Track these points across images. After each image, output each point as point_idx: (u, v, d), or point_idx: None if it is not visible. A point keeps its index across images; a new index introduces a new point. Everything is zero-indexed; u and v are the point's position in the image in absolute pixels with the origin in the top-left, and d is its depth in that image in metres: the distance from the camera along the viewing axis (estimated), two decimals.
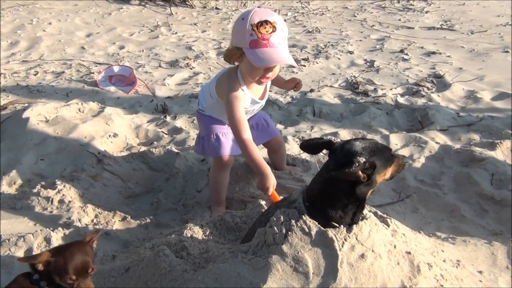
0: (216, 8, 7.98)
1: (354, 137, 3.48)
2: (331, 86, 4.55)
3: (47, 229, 2.44)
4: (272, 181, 2.05)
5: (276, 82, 2.75)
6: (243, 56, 2.14)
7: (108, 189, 3.03)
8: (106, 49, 5.89)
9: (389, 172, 1.70)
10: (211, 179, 2.75)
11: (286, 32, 2.16)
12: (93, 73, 4.97)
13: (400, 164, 1.75)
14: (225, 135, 2.60)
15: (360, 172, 1.57)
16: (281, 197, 2.14)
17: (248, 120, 2.61)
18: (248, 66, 2.17)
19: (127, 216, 2.76)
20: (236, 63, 2.29)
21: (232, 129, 2.26)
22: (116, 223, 2.68)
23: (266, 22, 2.05)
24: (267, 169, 2.07)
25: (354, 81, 4.59)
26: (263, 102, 2.55)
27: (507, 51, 5.39)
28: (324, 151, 1.81)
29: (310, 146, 1.80)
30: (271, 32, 2.05)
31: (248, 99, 2.38)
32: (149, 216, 2.78)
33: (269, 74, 2.20)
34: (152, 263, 1.86)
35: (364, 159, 1.57)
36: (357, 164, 1.55)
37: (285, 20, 6.93)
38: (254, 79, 2.23)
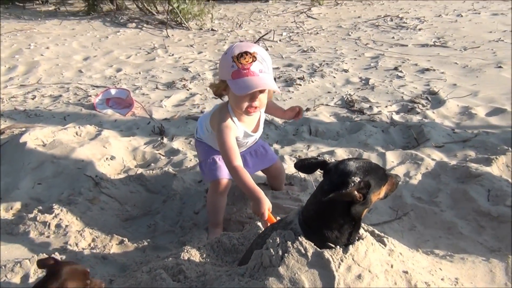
0: (212, 30, 8.09)
1: (349, 156, 3.50)
2: (326, 105, 4.58)
3: (44, 254, 2.43)
4: (266, 205, 2.04)
5: (274, 112, 2.79)
6: (228, 88, 2.21)
7: (105, 212, 3.03)
8: (103, 72, 5.95)
9: (383, 191, 1.71)
10: (208, 202, 2.76)
11: (269, 61, 2.21)
12: (90, 96, 5.01)
13: (394, 183, 1.76)
14: (222, 159, 2.62)
15: (355, 192, 1.59)
16: (278, 218, 2.14)
17: (247, 148, 2.63)
18: (233, 97, 2.24)
19: (124, 239, 2.75)
20: (226, 98, 2.37)
21: (223, 158, 2.29)
22: (113, 246, 2.66)
23: (246, 53, 2.12)
24: (261, 193, 2.08)
25: (349, 99, 4.63)
26: (256, 135, 2.59)
27: (500, 67, 5.46)
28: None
29: (304, 166, 1.81)
30: (251, 62, 2.11)
31: (241, 131, 2.42)
32: (146, 238, 2.78)
33: (255, 103, 2.23)
34: (149, 287, 1.85)
35: (358, 179, 1.59)
36: (352, 184, 1.56)
37: (280, 40, 7.05)
38: (241, 109, 2.27)
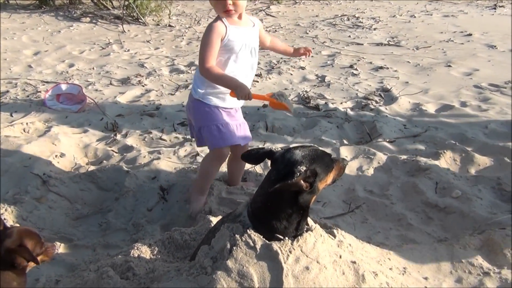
0: (170, 26, 7.97)
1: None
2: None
3: None
4: (247, 87, 2.35)
5: (276, 47, 2.88)
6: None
7: (54, 211, 2.91)
8: (54, 67, 5.74)
9: (330, 177, 1.72)
10: (203, 167, 2.80)
11: None
12: (40, 92, 4.82)
13: (340, 167, 1.77)
14: (225, 125, 2.64)
15: (302, 182, 1.59)
16: (269, 94, 2.49)
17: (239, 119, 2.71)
18: (213, 3, 2.43)
19: (73, 238, 2.66)
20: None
21: (199, 57, 2.44)
22: (61, 246, 2.57)
23: None
24: (237, 80, 2.38)
25: (305, 95, 4.67)
26: (251, 29, 2.58)
27: (449, 66, 5.66)
28: None
29: (251, 156, 1.81)
30: None
31: (232, 30, 2.46)
32: (97, 237, 2.70)
33: (229, 1, 2.35)
34: (96, 286, 1.79)
35: (304, 168, 1.58)
36: (298, 174, 1.56)
37: None
38: (221, 11, 2.41)
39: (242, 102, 2.69)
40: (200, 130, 2.69)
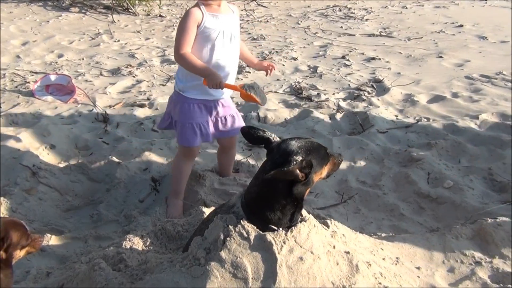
0: (160, 16, 7.88)
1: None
2: (275, 92, 4.59)
3: None
4: (219, 76, 2.37)
5: (245, 57, 2.80)
6: None
7: (44, 203, 2.88)
8: (43, 57, 5.65)
9: (325, 170, 1.71)
10: (174, 168, 2.79)
11: None
12: (28, 82, 4.74)
13: (335, 162, 1.76)
14: (201, 125, 2.62)
15: (297, 171, 1.57)
16: (241, 84, 2.48)
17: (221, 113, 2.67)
18: None
19: (64, 230, 2.64)
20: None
21: (175, 43, 2.46)
22: (52, 238, 2.54)
23: None
24: (211, 69, 2.40)
25: (298, 86, 4.66)
26: (230, 16, 2.57)
27: (441, 57, 5.67)
28: None
29: (250, 134, 1.81)
30: None
31: (208, 16, 2.45)
32: (89, 229, 2.67)
33: None
34: (87, 277, 1.77)
35: (300, 158, 1.57)
36: (294, 162, 1.55)
37: None
38: None
39: (229, 93, 2.68)
40: (176, 124, 2.67)
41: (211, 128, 2.67)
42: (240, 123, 2.78)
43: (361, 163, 3.22)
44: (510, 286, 2.01)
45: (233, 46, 2.58)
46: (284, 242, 1.58)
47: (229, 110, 2.75)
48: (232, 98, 2.85)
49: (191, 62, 2.41)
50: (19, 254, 1.65)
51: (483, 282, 2.05)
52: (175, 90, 2.67)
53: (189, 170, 2.79)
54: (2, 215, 2.64)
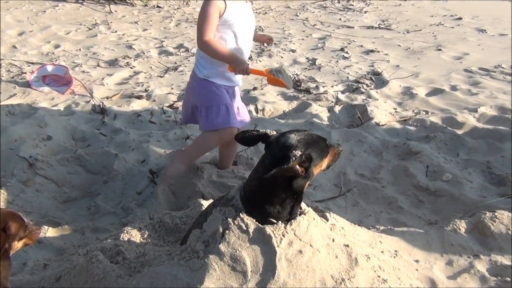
0: (158, 7, 7.82)
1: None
2: None
3: None
4: (245, 62, 2.42)
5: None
6: None
7: (41, 194, 2.86)
8: (40, 48, 5.61)
9: (325, 162, 1.69)
10: (201, 143, 2.81)
11: None
12: (25, 73, 4.70)
13: (335, 153, 1.74)
14: (232, 106, 2.66)
15: (297, 167, 1.55)
16: (267, 69, 2.53)
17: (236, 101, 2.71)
18: None
19: (61, 222, 2.62)
20: None
21: (198, 30, 2.43)
22: (49, 230, 2.52)
23: None
24: (236, 54, 2.43)
25: (296, 78, 4.63)
26: (247, 5, 2.60)
27: (440, 49, 5.65)
28: None
29: (245, 138, 1.76)
30: None
31: (231, 5, 2.44)
32: (86, 221, 2.66)
33: None
34: (85, 270, 1.76)
35: (300, 152, 1.55)
36: (293, 158, 1.53)
37: None
38: None
39: (241, 81, 2.71)
40: (208, 109, 2.63)
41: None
42: (247, 114, 2.83)
43: (360, 156, 3.21)
44: (508, 279, 2.01)
45: (251, 33, 2.63)
46: (284, 235, 1.57)
47: (240, 100, 2.78)
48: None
49: (216, 48, 2.43)
50: (17, 245, 1.64)
51: (482, 275, 2.05)
52: (197, 78, 2.64)
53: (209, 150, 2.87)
54: None
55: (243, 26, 2.53)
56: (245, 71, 2.41)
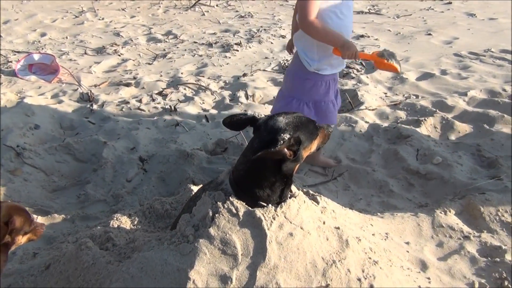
0: None
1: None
2: (264, 70, 4.53)
3: None
4: (354, 45, 2.22)
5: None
6: None
7: (30, 183, 2.83)
8: (25, 36, 5.51)
9: (314, 144, 1.67)
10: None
11: None
12: (11, 62, 4.63)
13: (325, 134, 1.72)
14: (334, 103, 2.64)
15: (285, 150, 1.54)
16: (376, 52, 2.34)
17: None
18: None
19: (50, 211, 2.59)
20: None
21: (300, 13, 2.29)
22: (38, 219, 2.49)
23: None
24: (344, 36, 2.26)
25: (286, 64, 4.60)
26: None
27: (430, 34, 5.64)
28: None
29: (233, 123, 1.73)
30: None
31: None
32: (76, 209, 2.63)
33: None
34: (74, 257, 1.74)
35: (288, 135, 1.53)
36: (282, 142, 1.50)
37: (217, 5, 6.83)
38: None
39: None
40: (316, 104, 2.56)
41: None
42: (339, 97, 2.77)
43: (351, 141, 3.20)
44: (498, 259, 2.03)
45: (352, 14, 2.48)
46: (274, 218, 1.56)
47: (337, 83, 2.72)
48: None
49: (323, 29, 2.26)
50: (21, 240, 1.59)
51: (472, 256, 2.07)
52: (306, 72, 2.50)
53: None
54: None
55: (345, 5, 2.37)
56: (354, 55, 2.22)
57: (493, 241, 2.16)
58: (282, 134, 1.52)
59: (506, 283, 1.91)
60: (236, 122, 1.71)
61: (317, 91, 2.55)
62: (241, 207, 1.56)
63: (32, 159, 2.99)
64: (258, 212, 1.55)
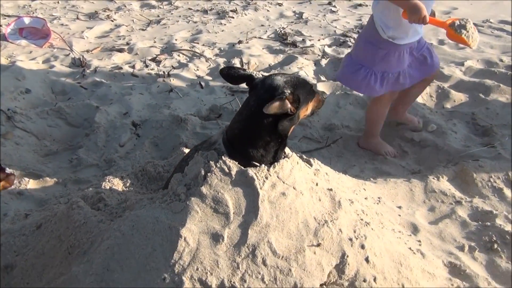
0: None
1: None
2: (259, 38, 4.46)
3: None
4: (424, 9, 2.07)
5: None
6: None
7: (21, 147, 2.80)
8: (15, 0, 5.36)
9: (310, 107, 1.66)
10: (371, 113, 2.73)
11: None
12: (0, 25, 4.51)
13: (320, 99, 1.71)
14: (406, 72, 2.53)
15: (289, 104, 1.52)
16: (449, 20, 2.21)
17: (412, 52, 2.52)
18: None
19: (42, 174, 2.57)
20: None
21: None
22: (30, 182, 2.49)
23: None
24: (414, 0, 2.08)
25: (282, 32, 4.53)
26: None
27: None
28: None
29: (230, 75, 1.69)
30: None
31: None
32: (68, 173, 2.62)
33: None
34: (66, 216, 1.73)
35: (289, 91, 1.51)
36: (287, 93, 1.48)
37: None
38: None
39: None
40: (384, 75, 2.48)
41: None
42: (435, 55, 2.69)
43: (346, 108, 3.18)
44: (488, 223, 2.04)
45: None
46: (267, 178, 1.55)
47: (424, 43, 2.61)
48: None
49: None
50: None
51: (462, 220, 2.08)
52: (381, 40, 2.38)
53: (386, 113, 2.73)
54: None
55: None
56: (422, 19, 2.10)
57: (484, 206, 2.18)
58: (284, 90, 1.50)
59: (495, 246, 1.93)
60: (233, 75, 1.68)
61: (388, 62, 2.45)
62: (233, 166, 1.54)
63: (23, 123, 2.95)
64: (251, 171, 1.54)
